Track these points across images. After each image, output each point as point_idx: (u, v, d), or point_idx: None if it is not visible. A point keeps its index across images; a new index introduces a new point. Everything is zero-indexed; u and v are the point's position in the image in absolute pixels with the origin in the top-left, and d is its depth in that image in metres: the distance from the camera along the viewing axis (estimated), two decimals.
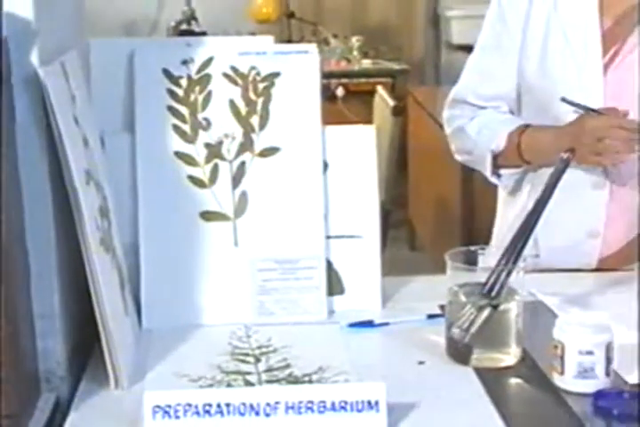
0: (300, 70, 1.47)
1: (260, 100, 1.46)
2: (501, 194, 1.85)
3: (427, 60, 5.15)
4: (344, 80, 4.51)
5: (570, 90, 1.66)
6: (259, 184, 1.45)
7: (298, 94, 1.47)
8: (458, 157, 1.85)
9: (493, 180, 1.76)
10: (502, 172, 1.75)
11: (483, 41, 1.79)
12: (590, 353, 1.18)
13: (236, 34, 4.56)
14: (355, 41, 4.76)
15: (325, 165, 1.47)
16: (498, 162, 1.73)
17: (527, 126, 1.70)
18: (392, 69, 4.69)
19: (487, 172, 1.75)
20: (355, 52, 4.73)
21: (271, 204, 1.45)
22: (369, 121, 3.23)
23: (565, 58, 1.68)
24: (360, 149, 1.49)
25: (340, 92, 4.41)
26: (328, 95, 4.37)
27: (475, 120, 1.76)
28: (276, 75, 1.46)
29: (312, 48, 1.50)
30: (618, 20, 1.68)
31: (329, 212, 1.46)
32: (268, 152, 1.45)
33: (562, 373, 1.20)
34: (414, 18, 5.19)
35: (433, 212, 3.81)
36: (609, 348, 1.19)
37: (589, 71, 1.67)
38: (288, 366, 1.29)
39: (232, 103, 1.45)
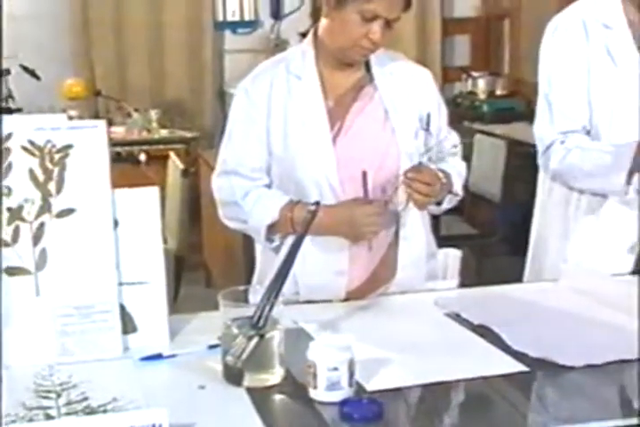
0: (90, 142, 1.43)
1: (56, 169, 1.41)
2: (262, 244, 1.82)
3: (215, 128, 5.18)
4: (145, 147, 4.45)
5: (308, 159, 1.71)
6: (57, 241, 1.39)
7: (89, 162, 1.43)
8: (228, 223, 1.81)
9: (266, 244, 1.75)
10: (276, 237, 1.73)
11: (237, 122, 1.78)
12: (336, 369, 1.21)
13: (49, 110, 4.41)
14: (154, 114, 4.72)
15: (116, 223, 1.43)
16: (271, 231, 1.72)
17: (297, 202, 1.69)
18: (186, 137, 4.69)
19: (261, 239, 1.73)
20: (154, 123, 4.69)
21: (69, 257, 1.39)
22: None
23: (302, 133, 1.72)
24: (145, 208, 1.46)
25: (142, 157, 4.34)
26: (132, 160, 4.29)
27: (248, 196, 1.73)
28: (70, 146, 1.42)
29: (100, 123, 1.46)
30: (337, 101, 1.75)
31: (120, 262, 1.42)
32: (65, 213, 1.40)
33: (315, 387, 1.22)
34: (204, 93, 5.22)
35: (223, 255, 3.80)
36: (351, 363, 1.22)
37: (321, 143, 1.71)
38: (86, 398, 1.24)
39: (31, 172, 1.40)
